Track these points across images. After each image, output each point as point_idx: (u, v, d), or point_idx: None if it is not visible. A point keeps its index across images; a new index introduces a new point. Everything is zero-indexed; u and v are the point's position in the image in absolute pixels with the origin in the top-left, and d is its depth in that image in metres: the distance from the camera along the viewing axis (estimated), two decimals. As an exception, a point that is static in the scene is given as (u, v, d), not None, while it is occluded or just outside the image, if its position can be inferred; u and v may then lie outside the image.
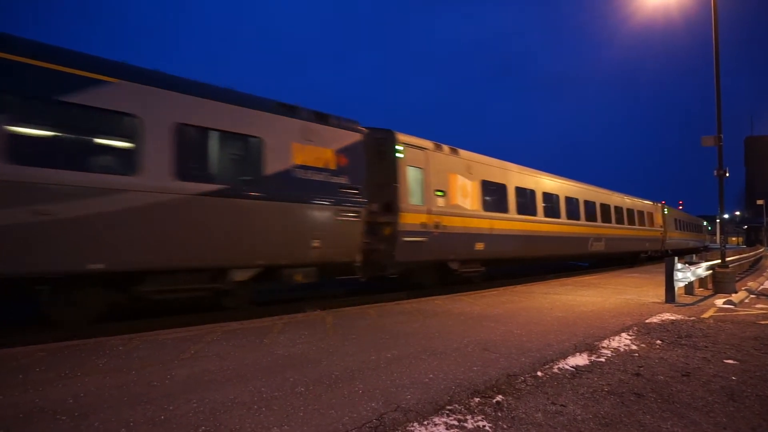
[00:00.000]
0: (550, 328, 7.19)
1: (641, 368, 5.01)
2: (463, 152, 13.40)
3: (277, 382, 4.43)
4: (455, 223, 12.39)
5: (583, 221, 19.44)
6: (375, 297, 11.01)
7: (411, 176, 11.41)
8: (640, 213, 26.32)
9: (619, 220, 23.35)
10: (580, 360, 5.28)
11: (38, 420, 3.50)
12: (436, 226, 11.70)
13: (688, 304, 9.96)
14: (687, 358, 5.51)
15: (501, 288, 12.89)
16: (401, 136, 11.33)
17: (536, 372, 4.79)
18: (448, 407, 3.79)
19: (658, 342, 6.30)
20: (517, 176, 15.53)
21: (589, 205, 20.23)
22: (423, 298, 10.52)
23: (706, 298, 11.15)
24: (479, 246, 13.30)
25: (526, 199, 15.81)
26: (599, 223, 20.99)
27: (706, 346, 6.09)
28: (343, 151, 9.81)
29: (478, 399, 3.98)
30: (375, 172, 10.75)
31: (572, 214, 18.66)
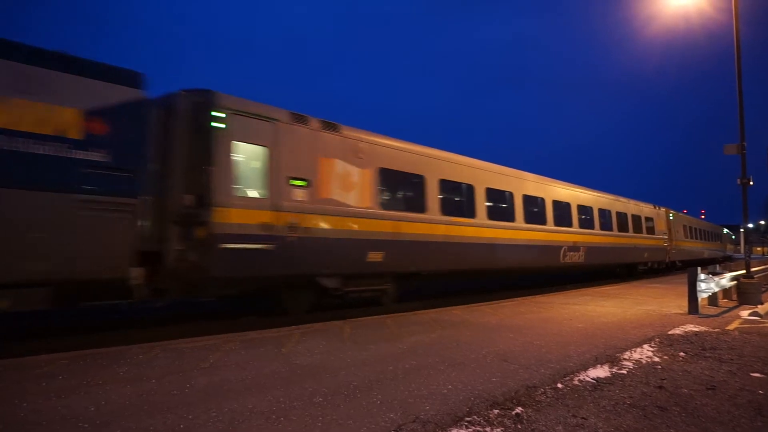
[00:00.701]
0: (570, 339, 7.10)
1: (664, 381, 4.91)
2: (348, 129, 9.97)
3: (296, 392, 4.43)
4: (329, 225, 9.17)
5: (551, 226, 15.69)
6: (392, 307, 10.96)
7: (243, 157, 8.26)
8: (636, 218, 22.29)
9: (606, 226, 19.47)
10: (601, 372, 5.20)
11: (60, 427, 3.55)
12: (292, 228, 8.48)
13: (711, 316, 9.76)
14: (712, 370, 5.39)
15: (520, 298, 12.77)
16: (228, 100, 8.08)
17: (556, 384, 4.72)
18: (467, 419, 3.76)
19: (682, 354, 6.17)
20: (442, 166, 11.93)
21: (561, 207, 16.53)
22: (441, 309, 10.46)
23: (730, 309, 10.91)
24: (375, 256, 9.95)
25: (459, 196, 12.55)
26: (576, 228, 17.16)
27: (732, 359, 5.95)
28: (102, 114, 6.73)
29: (498, 411, 3.94)
30: (189, 151, 7.82)
31: (534, 216, 15.02)
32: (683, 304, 10.48)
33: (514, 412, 3.89)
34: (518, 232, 14.13)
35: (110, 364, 5.30)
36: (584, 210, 18.11)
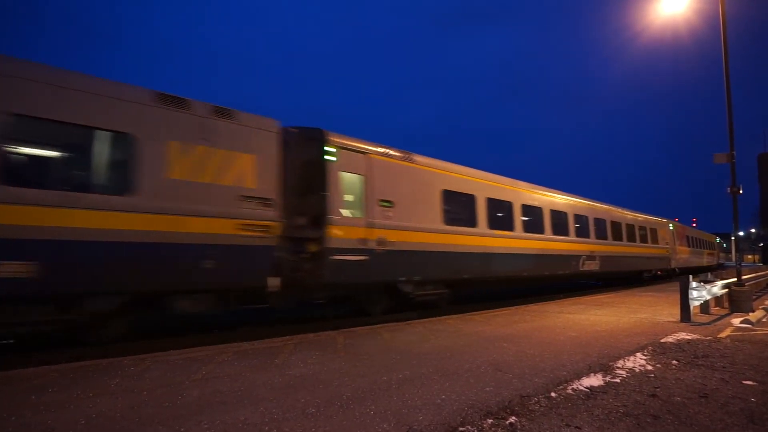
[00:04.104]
0: (564, 348, 7.10)
1: (657, 389, 4.93)
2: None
3: (289, 403, 4.41)
4: None
5: None
6: (386, 317, 10.93)
7: None
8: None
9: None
10: (595, 381, 5.20)
11: (51, 441, 3.51)
12: None
13: (704, 324, 9.80)
14: (704, 378, 5.41)
15: (513, 307, 12.77)
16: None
17: (550, 393, 4.72)
18: (461, 429, 3.74)
19: (674, 362, 6.19)
20: None
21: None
22: (435, 318, 10.45)
23: (722, 317, 10.96)
24: None
25: None
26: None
27: (724, 367, 5.97)
28: None
29: (491, 420, 3.93)
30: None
31: None
32: (676, 312, 10.53)
33: (507, 422, 3.89)
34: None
35: (101, 377, 5.25)
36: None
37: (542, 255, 15.72)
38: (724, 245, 62.78)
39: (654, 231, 25.79)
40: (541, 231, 15.84)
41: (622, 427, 3.84)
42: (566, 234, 17.30)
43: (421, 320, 10.19)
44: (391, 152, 11.11)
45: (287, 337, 7.97)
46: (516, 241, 14.51)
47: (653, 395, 4.71)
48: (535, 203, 15.92)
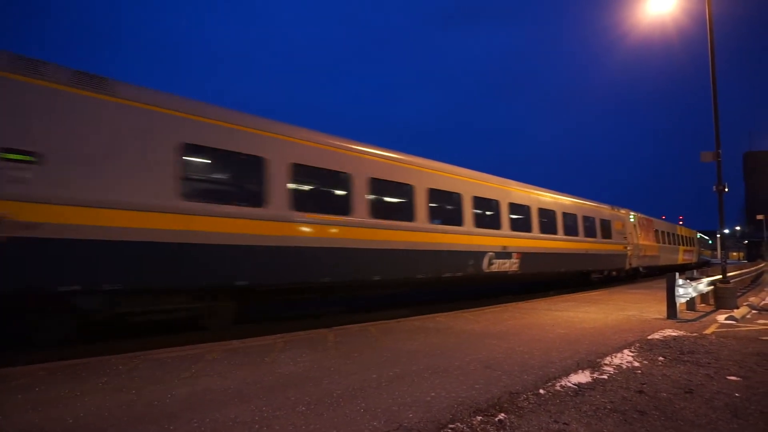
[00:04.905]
0: (553, 345, 7.16)
1: (644, 385, 4.99)
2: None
3: (279, 401, 4.41)
4: None
5: None
6: (377, 315, 10.95)
7: None
8: None
9: None
10: (583, 377, 5.25)
11: (39, 441, 3.48)
12: None
13: (690, 320, 9.93)
14: (690, 374, 5.48)
15: (503, 305, 12.84)
16: None
17: (539, 390, 4.77)
18: (450, 426, 3.77)
19: (661, 358, 6.27)
20: None
21: None
22: (425, 316, 10.48)
23: (707, 313, 11.11)
24: None
25: None
26: None
27: (709, 363, 6.06)
28: None
29: (480, 417, 3.96)
30: None
31: None
32: (662, 309, 10.64)
33: (497, 419, 3.92)
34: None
35: (90, 376, 5.21)
36: None
37: (409, 251, 11.19)
38: (710, 242, 63.30)
39: (606, 223, 20.88)
40: (409, 218, 11.37)
41: (610, 423, 3.88)
42: (458, 223, 12.78)
43: (411, 318, 10.21)
44: (46, 69, 6.52)
45: (278, 335, 7.96)
46: (355, 231, 10.01)
47: (640, 391, 4.77)
48: (401, 180, 11.33)
